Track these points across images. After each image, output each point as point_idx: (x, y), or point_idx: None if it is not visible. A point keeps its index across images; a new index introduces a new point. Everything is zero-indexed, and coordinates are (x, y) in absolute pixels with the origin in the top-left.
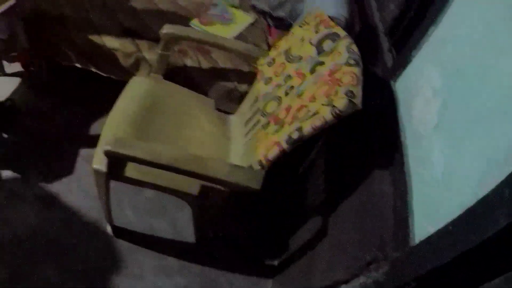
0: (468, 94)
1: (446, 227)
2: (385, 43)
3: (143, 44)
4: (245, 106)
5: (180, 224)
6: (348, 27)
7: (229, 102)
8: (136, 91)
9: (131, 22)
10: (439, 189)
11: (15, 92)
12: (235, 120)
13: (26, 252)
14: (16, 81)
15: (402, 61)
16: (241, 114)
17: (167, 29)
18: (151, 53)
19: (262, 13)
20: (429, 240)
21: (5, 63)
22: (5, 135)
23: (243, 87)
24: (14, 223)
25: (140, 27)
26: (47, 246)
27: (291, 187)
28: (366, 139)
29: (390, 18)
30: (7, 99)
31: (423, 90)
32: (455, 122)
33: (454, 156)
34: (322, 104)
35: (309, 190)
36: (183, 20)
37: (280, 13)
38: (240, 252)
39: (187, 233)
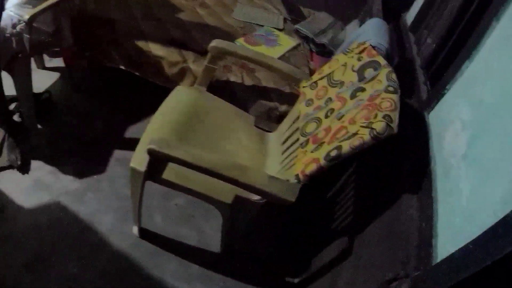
0: (495, 127)
1: (466, 246)
2: (421, 76)
3: (189, 55)
4: (284, 126)
5: (206, 234)
6: (388, 57)
7: (268, 121)
8: (179, 99)
9: (178, 33)
10: (463, 215)
11: (53, 86)
12: (273, 138)
13: (47, 242)
14: (55, 76)
15: (436, 94)
16: (279, 133)
17: (216, 43)
18: (196, 65)
19: (305, 38)
20: (450, 258)
21: (46, 58)
22: (40, 126)
23: (283, 107)
24: (37, 212)
25: (187, 39)
26: (69, 239)
27: (319, 209)
28: (398, 165)
29: (427, 52)
30: (45, 92)
31: (454, 122)
32: (481, 153)
33: (478, 184)
34: (361, 126)
35: (337, 213)
36: (229, 37)
37: (322, 40)
38: (262, 266)
39: (212, 244)
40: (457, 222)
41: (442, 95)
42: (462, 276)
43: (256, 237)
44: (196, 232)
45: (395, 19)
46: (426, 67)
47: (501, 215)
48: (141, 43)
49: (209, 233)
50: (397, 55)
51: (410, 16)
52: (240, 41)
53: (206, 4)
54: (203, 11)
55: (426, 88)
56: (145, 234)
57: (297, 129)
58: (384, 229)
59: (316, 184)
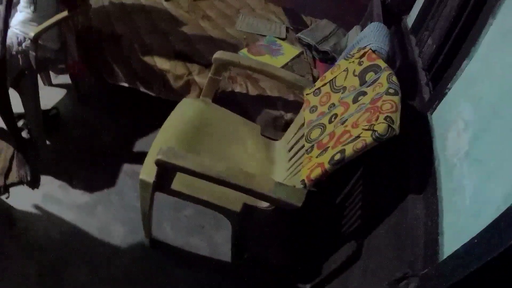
0: (496, 125)
1: (471, 241)
2: (423, 77)
3: (194, 67)
4: (290, 133)
5: (216, 243)
6: (389, 60)
7: (274, 129)
8: (186, 111)
9: (183, 46)
10: (467, 213)
11: (60, 102)
12: (280, 146)
13: (59, 254)
14: (62, 92)
15: (438, 95)
16: (285, 140)
17: (219, 54)
18: (201, 77)
19: (307, 46)
20: (455, 254)
21: (52, 74)
22: (48, 142)
23: (288, 115)
24: (48, 226)
25: (191, 51)
26: (81, 251)
27: (328, 215)
28: (403, 167)
29: (428, 53)
30: (53, 108)
31: (456, 122)
32: (483, 151)
33: (481, 182)
34: (364, 129)
35: (345, 217)
36: (233, 48)
37: (325, 47)
38: (274, 274)
39: (223, 253)
40: (462, 220)
41: (444, 95)
42: (467, 271)
43: (266, 244)
44: (206, 241)
45: (396, 23)
46: (428, 68)
47: (503, 208)
48: (146, 58)
49: (219, 243)
50: (399, 58)
51: (410, 18)
52: (244, 51)
53: (209, 17)
54: (206, 23)
55: (428, 89)
56: (156, 244)
57: (303, 136)
58: (391, 230)
59: (325, 190)
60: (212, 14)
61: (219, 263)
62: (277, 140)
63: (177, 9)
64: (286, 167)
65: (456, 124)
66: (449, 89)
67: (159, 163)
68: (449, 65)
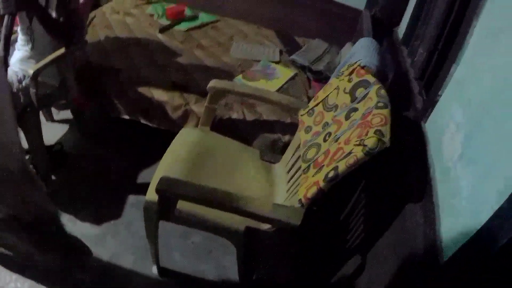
0: (486, 125)
1: (466, 244)
2: (415, 87)
3: (191, 97)
4: (288, 155)
5: (225, 267)
6: (380, 75)
7: (273, 152)
8: (185, 141)
9: (179, 77)
10: (465, 214)
11: (63, 137)
12: (279, 168)
13: (70, 285)
14: (65, 127)
15: (430, 102)
16: (284, 162)
17: (213, 83)
18: (198, 106)
19: (302, 67)
20: (453, 259)
21: (54, 110)
22: (54, 177)
23: (286, 137)
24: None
25: (188, 82)
26: (92, 282)
27: (332, 231)
28: (400, 178)
29: (419, 62)
30: (56, 143)
31: (449, 126)
32: (476, 152)
33: (476, 183)
34: (355, 145)
35: (349, 232)
36: (228, 75)
37: (318, 67)
38: None
39: (232, 276)
40: (460, 222)
41: (436, 102)
42: (466, 272)
43: (273, 264)
44: (214, 266)
45: (387, 35)
46: (420, 77)
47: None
48: (144, 90)
49: (227, 266)
50: (392, 70)
51: (401, 29)
52: (240, 77)
53: (203, 46)
54: (201, 52)
55: (421, 98)
56: (165, 272)
57: (299, 156)
58: (392, 241)
59: (328, 207)
60: (206, 43)
61: (228, 286)
62: (276, 163)
63: (171, 40)
64: (286, 188)
65: (448, 128)
66: (440, 95)
67: (160, 192)
68: (439, 72)
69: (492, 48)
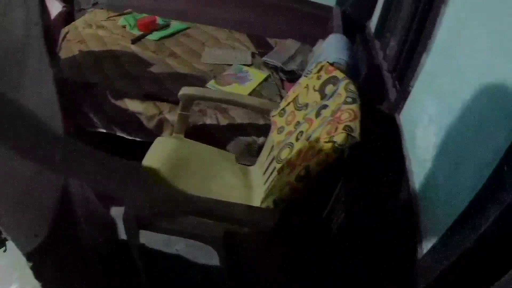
0: (458, 116)
1: (445, 234)
2: (388, 79)
3: (164, 106)
4: (263, 157)
5: (211, 273)
6: (351, 70)
7: (249, 155)
8: (160, 151)
9: (152, 87)
10: (441, 206)
11: None
12: (255, 171)
13: None
14: None
15: (403, 94)
16: (260, 164)
17: (184, 90)
18: (172, 115)
19: (274, 68)
20: (432, 250)
21: None
22: None
23: (260, 139)
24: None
25: (161, 91)
26: None
27: (315, 230)
28: (378, 172)
29: (392, 54)
30: None
31: (422, 118)
32: (449, 143)
33: (450, 174)
34: (325, 142)
35: (333, 229)
36: (201, 82)
37: (291, 66)
38: None
39: (220, 281)
40: (438, 213)
41: (408, 93)
42: (446, 263)
43: (260, 268)
44: (199, 272)
45: (360, 30)
46: (393, 70)
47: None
48: (119, 102)
49: (214, 272)
50: (365, 64)
51: (373, 23)
52: (212, 83)
53: (175, 54)
54: (173, 61)
55: (394, 90)
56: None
57: (274, 157)
58: (374, 237)
59: (309, 207)
60: (178, 51)
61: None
62: (252, 165)
63: (144, 51)
64: (263, 190)
65: (422, 119)
66: (412, 87)
67: None
68: (410, 63)
69: (462, 37)
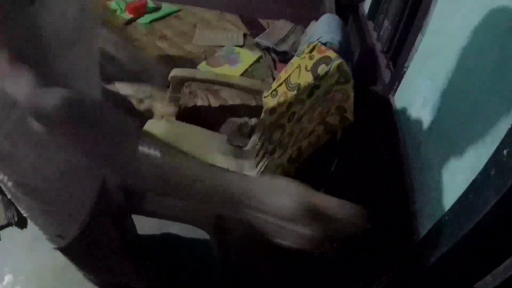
0: (453, 97)
1: (441, 219)
2: (383, 60)
3: (155, 88)
4: (255, 138)
5: (206, 255)
6: (344, 50)
7: (241, 137)
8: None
9: (142, 69)
10: (437, 188)
11: None
12: (247, 153)
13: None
14: None
15: (397, 75)
16: (252, 146)
17: (174, 72)
18: (163, 97)
19: (266, 49)
20: (428, 236)
21: None
22: None
23: (252, 120)
24: (40, 263)
25: (151, 73)
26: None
27: None
28: (372, 154)
29: (385, 35)
30: None
31: (416, 99)
32: (444, 125)
33: (447, 156)
34: (317, 123)
35: None
36: (192, 64)
37: (283, 47)
38: (264, 281)
39: (211, 263)
40: (434, 197)
41: (403, 74)
42: (441, 251)
43: (253, 253)
44: (195, 255)
45: (353, 11)
46: (387, 51)
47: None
48: (109, 86)
49: (209, 255)
50: (359, 45)
51: (367, 4)
52: (203, 65)
53: (166, 36)
54: (164, 43)
55: (389, 72)
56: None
57: (265, 139)
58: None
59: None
60: (169, 33)
61: (211, 275)
62: (245, 147)
63: (134, 34)
64: (255, 172)
65: (416, 101)
66: (407, 67)
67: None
68: (404, 44)
69: (456, 17)
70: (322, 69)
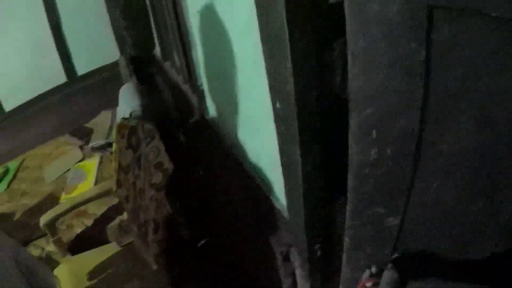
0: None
1: None
2: (188, 90)
3: (42, 242)
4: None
5: None
6: (150, 108)
7: (127, 233)
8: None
9: (22, 232)
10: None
11: None
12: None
13: None
14: None
15: (199, 95)
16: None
17: (42, 220)
18: (52, 245)
19: (102, 147)
20: None
21: None
22: None
23: (125, 215)
24: None
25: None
26: None
27: None
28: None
29: (181, 67)
30: None
31: (215, 110)
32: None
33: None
34: (149, 187)
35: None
36: (55, 200)
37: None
38: None
39: None
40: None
41: (202, 91)
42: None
43: None
44: None
45: (151, 62)
46: (187, 79)
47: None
48: None
49: None
50: (167, 90)
51: (157, 50)
52: (63, 197)
53: (25, 191)
54: (26, 198)
55: (196, 96)
56: None
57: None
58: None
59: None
60: (26, 187)
61: None
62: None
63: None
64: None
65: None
66: (201, 84)
67: None
68: (189, 67)
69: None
70: (134, 140)
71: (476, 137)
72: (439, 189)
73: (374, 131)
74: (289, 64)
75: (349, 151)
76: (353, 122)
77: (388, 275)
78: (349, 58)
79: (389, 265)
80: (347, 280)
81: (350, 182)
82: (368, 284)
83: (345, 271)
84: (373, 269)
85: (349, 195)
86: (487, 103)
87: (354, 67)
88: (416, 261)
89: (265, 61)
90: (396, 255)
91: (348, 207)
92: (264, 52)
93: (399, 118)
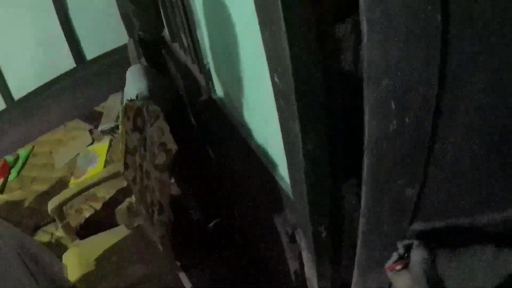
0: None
1: None
2: (196, 69)
3: (51, 228)
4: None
5: None
6: (157, 90)
7: (135, 216)
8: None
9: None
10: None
11: None
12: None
13: None
14: None
15: (206, 75)
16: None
17: (50, 205)
18: (60, 230)
19: (112, 130)
20: None
21: None
22: None
23: (133, 198)
24: None
25: (42, 217)
26: None
27: None
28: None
29: (186, 47)
30: None
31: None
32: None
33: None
34: (154, 169)
35: None
36: (63, 187)
37: None
38: None
39: None
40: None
41: (208, 70)
42: None
43: None
44: None
45: (161, 43)
46: (194, 59)
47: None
48: None
49: None
50: (176, 70)
51: (165, 31)
52: (72, 181)
53: (36, 178)
54: (37, 184)
55: (202, 76)
56: None
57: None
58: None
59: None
60: (37, 173)
61: None
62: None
63: (12, 195)
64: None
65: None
66: (208, 64)
67: None
68: (194, 44)
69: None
70: (139, 121)
71: (493, 100)
72: (457, 153)
73: (392, 102)
74: (283, 34)
75: (366, 127)
76: (371, 96)
77: (418, 253)
78: (365, 29)
79: (417, 242)
80: (364, 261)
81: (367, 159)
82: (398, 267)
83: (361, 252)
84: (401, 250)
85: (365, 173)
86: (503, 66)
87: (370, 37)
88: (438, 234)
89: (261, 31)
90: (417, 228)
91: (364, 187)
92: (259, 20)
93: (418, 86)
